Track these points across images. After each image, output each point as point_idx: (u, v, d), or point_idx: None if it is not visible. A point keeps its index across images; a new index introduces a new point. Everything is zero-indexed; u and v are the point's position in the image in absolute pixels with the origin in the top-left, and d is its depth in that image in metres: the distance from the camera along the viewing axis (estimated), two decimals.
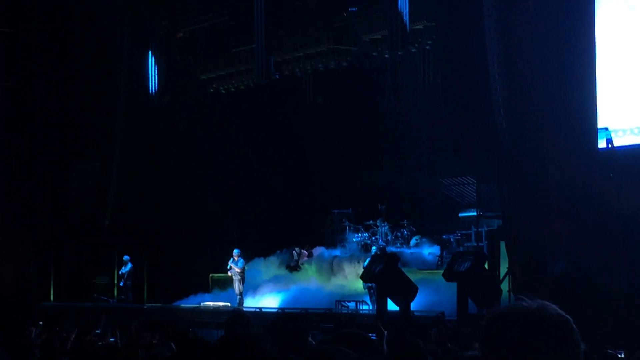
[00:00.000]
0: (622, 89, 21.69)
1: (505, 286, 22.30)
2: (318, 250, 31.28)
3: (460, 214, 29.11)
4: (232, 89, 33.43)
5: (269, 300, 28.73)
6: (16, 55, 31.99)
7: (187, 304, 29.71)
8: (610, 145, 21.18)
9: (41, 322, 20.88)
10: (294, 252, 31.19)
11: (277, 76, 30.40)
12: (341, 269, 29.54)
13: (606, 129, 21.37)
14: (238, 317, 7.67)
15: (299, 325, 6.53)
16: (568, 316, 2.89)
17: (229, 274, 29.05)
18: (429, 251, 29.28)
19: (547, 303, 2.91)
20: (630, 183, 20.83)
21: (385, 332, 9.76)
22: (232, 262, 28.80)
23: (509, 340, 2.84)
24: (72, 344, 14.51)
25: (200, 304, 29.02)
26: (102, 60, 32.73)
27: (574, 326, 2.88)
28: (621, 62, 21.78)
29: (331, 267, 29.99)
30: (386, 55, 29.64)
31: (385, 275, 22.78)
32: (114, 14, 32.46)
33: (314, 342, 6.70)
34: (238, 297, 28.68)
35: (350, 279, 28.57)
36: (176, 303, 30.11)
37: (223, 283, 30.72)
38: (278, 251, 31.65)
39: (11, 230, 31.64)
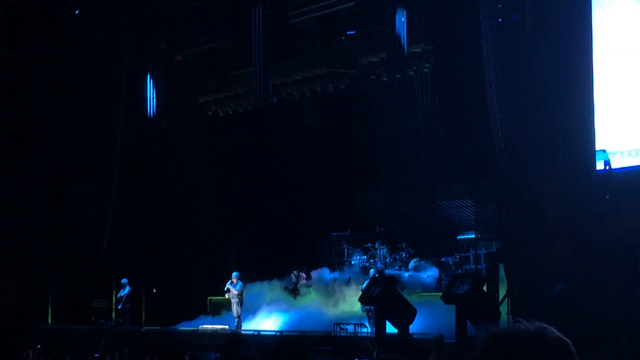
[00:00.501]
0: (619, 112, 21.73)
1: (504, 308, 22.26)
2: (317, 273, 31.22)
3: (458, 237, 29.08)
4: (230, 112, 33.46)
5: (267, 323, 28.65)
6: (16, 78, 32.04)
7: (186, 327, 29.62)
8: (608, 168, 21.20)
9: (39, 346, 20.85)
10: (292, 274, 31.14)
11: (275, 99, 30.44)
12: (340, 292, 29.48)
13: (604, 151, 21.39)
14: (235, 339, 7.65)
15: (299, 349, 6.49)
16: (567, 339, 2.87)
17: (227, 296, 28.99)
18: (428, 274, 29.23)
19: (546, 326, 2.88)
20: (628, 205, 20.83)
21: (375, 353, 9.74)
22: (231, 284, 28.74)
23: None
24: None
25: (198, 327, 28.94)
26: (101, 83, 32.76)
27: (573, 349, 2.86)
28: (619, 85, 21.83)
29: (330, 290, 29.93)
30: (384, 78, 29.69)
31: (384, 298, 22.76)
32: (113, 36, 32.53)
33: None
34: (236, 319, 28.60)
35: (349, 302, 28.50)
36: (174, 326, 30.02)
37: (221, 306, 30.65)
38: (276, 274, 31.57)
39: (9, 253, 31.60)
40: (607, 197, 20.99)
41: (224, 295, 29.30)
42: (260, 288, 31.14)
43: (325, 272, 31.10)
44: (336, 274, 30.87)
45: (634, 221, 20.60)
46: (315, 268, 31.38)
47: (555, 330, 2.85)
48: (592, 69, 21.80)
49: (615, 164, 21.32)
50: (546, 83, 22.17)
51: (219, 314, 30.64)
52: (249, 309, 29.48)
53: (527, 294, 21.49)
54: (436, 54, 26.98)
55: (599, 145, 21.56)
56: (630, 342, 19.61)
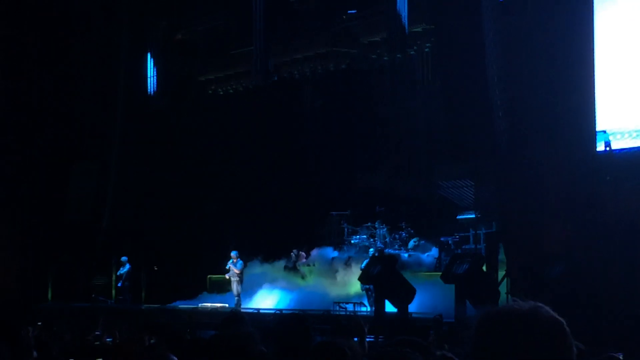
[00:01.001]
0: (620, 92, 21.69)
1: (503, 288, 22.28)
2: (316, 252, 31.25)
3: (458, 217, 29.06)
4: (231, 91, 33.44)
5: (267, 302, 28.72)
6: (14, 57, 31.98)
7: (185, 305, 29.68)
8: (608, 149, 21.18)
9: (40, 323, 20.86)
10: (292, 253, 31.16)
11: (276, 78, 30.42)
12: (339, 271, 29.52)
13: (604, 131, 21.37)
14: (233, 317, 7.67)
15: (302, 326, 6.50)
16: (561, 319, 2.86)
17: (227, 277, 29.03)
18: (427, 253, 29.26)
19: (540, 305, 2.87)
20: (628, 186, 20.82)
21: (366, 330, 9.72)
22: (232, 263, 28.78)
23: (500, 341, 2.80)
24: (69, 344, 14.49)
25: (198, 305, 29.01)
26: (100, 62, 32.73)
27: (567, 329, 2.85)
28: (620, 65, 21.78)
29: (329, 269, 29.96)
30: (385, 58, 29.66)
31: (384, 277, 22.78)
32: (112, 15, 32.46)
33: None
34: (236, 298, 28.67)
35: (349, 281, 28.54)
36: (174, 304, 30.08)
37: (221, 284, 30.70)
38: (276, 253, 31.58)
39: (9, 231, 31.65)
40: (608, 178, 20.98)
41: (224, 274, 29.35)
42: (260, 267, 31.17)
43: (328, 251, 31.11)
44: (336, 253, 30.91)
45: (634, 202, 20.59)
46: (315, 247, 31.40)
47: (549, 310, 2.85)
48: (594, 49, 21.76)
49: (616, 145, 21.31)
50: (547, 63, 22.12)
51: (218, 292, 30.71)
52: (249, 288, 29.53)
53: (526, 274, 21.48)
54: (437, 33, 26.95)
55: (599, 126, 21.54)
56: (629, 324, 19.62)
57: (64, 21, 32.19)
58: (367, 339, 8.04)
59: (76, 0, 32.28)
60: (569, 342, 2.83)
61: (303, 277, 30.52)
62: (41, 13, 31.85)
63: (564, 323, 2.84)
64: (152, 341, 15.31)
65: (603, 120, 21.58)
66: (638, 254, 20.46)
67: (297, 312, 24.95)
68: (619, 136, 21.44)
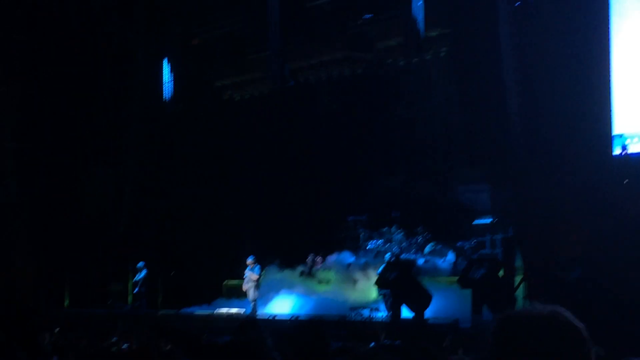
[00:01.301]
0: (637, 95, 21.61)
1: (520, 294, 22.21)
2: (332, 257, 31.21)
3: (475, 221, 29.00)
4: (247, 96, 33.46)
5: (282, 308, 28.67)
6: (31, 62, 32.08)
7: (202, 310, 29.68)
8: (625, 152, 21.11)
9: (58, 329, 20.88)
10: (307, 259, 31.13)
11: (292, 83, 30.40)
12: (355, 276, 29.47)
13: (621, 135, 21.30)
14: (248, 323, 7.66)
15: (317, 333, 6.46)
16: (580, 324, 2.83)
17: (243, 288, 28.85)
18: (444, 258, 29.19)
19: (560, 309, 2.85)
20: None
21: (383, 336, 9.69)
22: (249, 269, 28.65)
23: (519, 344, 2.79)
24: (86, 350, 14.49)
25: (214, 310, 29.01)
26: (117, 67, 32.80)
27: (586, 334, 2.82)
28: (637, 68, 21.70)
29: (345, 274, 29.91)
30: (401, 63, 29.63)
31: (400, 282, 22.75)
32: (129, 21, 32.52)
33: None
34: (252, 304, 28.63)
35: (365, 286, 28.49)
36: (190, 309, 30.08)
37: (238, 290, 30.68)
38: (292, 258, 31.54)
39: (26, 236, 31.72)
40: (625, 181, 20.90)
41: (241, 279, 29.31)
42: (277, 272, 31.13)
43: (344, 256, 31.05)
44: (352, 259, 30.86)
45: None
46: (331, 252, 31.35)
47: (569, 314, 2.83)
48: (610, 52, 21.70)
49: (633, 148, 21.23)
50: (564, 67, 22.06)
51: (235, 297, 30.68)
52: (265, 293, 29.50)
53: (544, 279, 21.42)
54: (453, 38, 26.91)
55: (616, 129, 21.47)
56: None
57: (81, 26, 32.26)
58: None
59: (93, 5, 32.34)
60: (588, 347, 2.81)
61: (320, 282, 30.48)
62: (57, 18, 31.93)
63: (583, 328, 2.82)
64: (168, 347, 15.33)
65: (620, 124, 21.51)
66: None
67: (312, 318, 24.97)
68: (636, 140, 21.36)
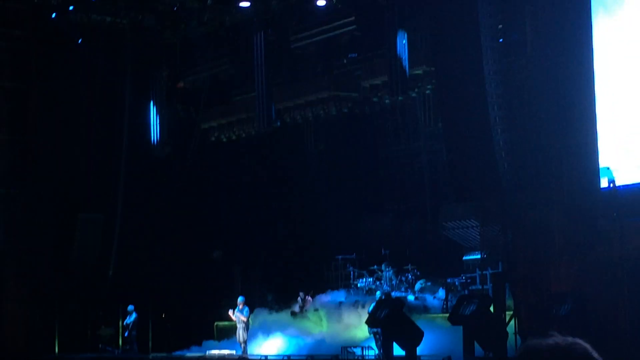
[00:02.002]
0: (622, 128, 21.76)
1: (511, 329, 22.21)
2: (322, 296, 31.17)
3: (464, 257, 29.04)
4: (234, 137, 33.55)
5: (273, 348, 28.58)
6: (19, 109, 32.11)
7: (193, 352, 29.57)
8: (612, 185, 21.20)
9: None
10: (298, 298, 31.08)
11: (279, 124, 30.52)
12: (346, 315, 29.43)
13: (607, 168, 21.40)
14: None
15: None
16: (599, 356, 2.92)
17: (233, 317, 28.80)
18: (434, 295, 29.19)
19: (579, 341, 2.94)
20: (634, 222, 20.82)
21: None
22: (238, 310, 28.64)
23: None
24: None
25: (205, 352, 28.90)
26: (104, 111, 32.85)
27: None
28: (622, 102, 21.87)
29: (336, 313, 29.87)
30: (386, 101, 29.77)
31: (391, 320, 22.73)
32: (115, 65, 32.63)
33: None
34: (242, 345, 28.53)
35: (356, 325, 28.44)
36: (181, 352, 29.97)
37: (228, 331, 30.59)
38: (282, 298, 31.49)
39: (15, 283, 31.59)
40: (614, 214, 20.97)
41: (230, 320, 29.24)
42: (267, 313, 31.05)
43: (335, 295, 31.00)
44: (343, 298, 30.83)
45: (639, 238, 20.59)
46: (322, 291, 31.30)
47: (588, 346, 2.91)
48: (594, 86, 21.86)
49: (620, 181, 21.32)
50: (549, 102, 22.21)
51: (225, 339, 30.57)
52: (255, 334, 29.42)
53: (534, 313, 21.44)
54: (438, 75, 27.06)
55: (602, 162, 21.57)
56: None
57: (68, 71, 32.33)
58: None
59: (79, 50, 32.43)
60: None
61: (302, 315, 30.41)
62: (45, 64, 32.01)
63: None
64: None
65: (606, 156, 21.62)
66: None
67: (304, 358, 24.92)
68: (622, 172, 21.46)
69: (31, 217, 31.88)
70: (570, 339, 2.92)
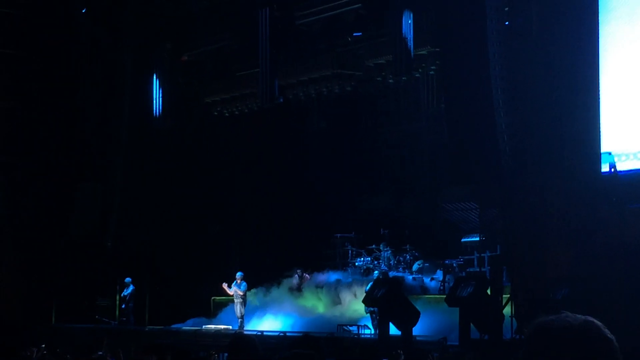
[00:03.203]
0: (626, 113, 21.72)
1: (507, 312, 22.23)
2: (320, 274, 31.20)
3: (462, 239, 29.05)
4: (236, 113, 33.50)
5: (270, 324, 28.64)
6: (21, 77, 32.08)
7: (189, 326, 29.63)
8: (613, 170, 21.18)
9: (43, 345, 20.84)
10: (295, 275, 31.11)
11: (281, 100, 30.47)
12: (343, 293, 29.47)
13: (609, 153, 21.37)
14: (241, 340, 7.63)
15: (318, 348, 6.48)
16: (611, 335, 2.89)
17: (230, 292, 28.88)
18: (432, 276, 29.22)
19: (592, 320, 2.91)
20: (633, 208, 20.82)
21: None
22: (235, 284, 28.72)
23: (551, 354, 2.83)
24: None
25: (202, 326, 28.96)
26: (106, 83, 32.83)
27: (617, 345, 2.88)
28: (625, 86, 21.82)
29: (333, 291, 29.91)
30: (390, 80, 29.71)
31: (388, 300, 22.74)
32: (118, 36, 32.57)
33: None
34: (239, 320, 28.61)
35: (353, 303, 28.49)
36: (177, 325, 30.03)
37: (225, 306, 30.65)
38: (280, 275, 31.50)
39: (13, 252, 31.64)
40: (613, 199, 20.96)
41: (227, 294, 29.31)
42: (264, 290, 31.09)
43: (332, 274, 31.02)
44: (340, 276, 30.87)
45: (639, 225, 20.58)
46: (319, 269, 31.34)
47: (601, 325, 2.88)
48: (599, 71, 21.81)
49: (621, 166, 21.30)
50: (552, 86, 22.16)
51: (222, 314, 30.63)
52: (252, 309, 29.47)
53: (531, 297, 21.45)
54: (442, 56, 27.00)
55: (604, 147, 21.55)
56: (633, 347, 19.57)
57: (70, 42, 32.29)
58: None
59: (82, 22, 32.37)
60: (619, 359, 2.87)
61: (299, 293, 30.47)
62: (47, 33, 31.95)
63: (614, 340, 2.88)
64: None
65: (608, 141, 21.60)
66: None
67: (300, 334, 24.93)
68: (623, 158, 21.45)
69: (30, 187, 31.90)
70: (581, 317, 2.89)
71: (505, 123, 23.03)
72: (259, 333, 26.08)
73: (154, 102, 32.47)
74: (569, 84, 21.95)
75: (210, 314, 31.24)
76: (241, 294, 28.60)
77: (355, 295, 28.53)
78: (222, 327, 28.45)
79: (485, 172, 24.50)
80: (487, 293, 22.45)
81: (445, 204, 30.30)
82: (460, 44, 24.98)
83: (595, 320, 2.89)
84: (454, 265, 28.56)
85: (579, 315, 2.90)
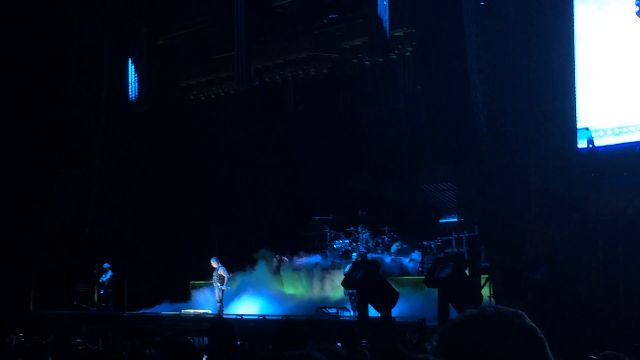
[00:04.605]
0: (602, 89, 21.76)
1: (486, 292, 22.32)
2: (299, 257, 31.20)
3: (441, 220, 29.12)
4: (213, 96, 33.39)
5: (249, 308, 28.63)
6: None
7: (168, 310, 29.60)
8: (591, 146, 21.22)
9: (21, 334, 20.79)
10: (274, 258, 31.07)
11: (258, 83, 30.40)
12: (322, 276, 29.48)
13: (587, 128, 21.41)
14: (221, 324, 7.64)
15: (300, 332, 6.49)
16: (534, 325, 2.80)
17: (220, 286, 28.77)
18: (410, 257, 29.27)
19: (520, 312, 2.82)
20: (610, 184, 20.91)
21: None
22: (222, 267, 28.47)
23: (478, 346, 2.75)
24: (53, 349, 14.46)
25: (181, 311, 28.94)
26: (82, 68, 32.69)
27: (542, 335, 2.79)
28: (601, 62, 21.87)
29: (312, 274, 29.92)
30: (366, 62, 29.66)
31: (367, 282, 22.77)
32: (94, 21, 32.41)
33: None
34: (218, 304, 28.56)
35: (332, 286, 28.52)
36: (156, 310, 29.99)
37: (204, 290, 30.62)
38: (258, 257, 31.46)
39: None
40: (592, 174, 21.03)
41: (207, 280, 29.27)
42: (243, 273, 31.06)
43: (311, 257, 31.02)
44: (319, 258, 30.88)
45: (616, 204, 20.67)
46: (298, 251, 31.32)
47: (523, 315, 2.78)
48: (574, 48, 21.84)
49: (598, 142, 21.35)
50: (528, 65, 22.21)
51: (201, 298, 30.60)
52: (231, 294, 29.45)
53: (509, 277, 21.53)
54: (418, 37, 26.96)
55: (581, 123, 21.58)
56: (611, 324, 19.69)
57: (47, 27, 32.09)
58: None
59: (59, 6, 32.18)
60: (543, 350, 2.77)
61: (278, 279, 30.46)
62: (23, 18, 31.74)
63: (538, 330, 2.78)
64: (137, 342, 15.30)
65: (586, 117, 21.64)
66: (619, 255, 20.54)
67: (279, 317, 24.97)
68: (601, 133, 21.50)
69: (8, 173, 31.74)
70: (497, 308, 2.79)
71: (482, 103, 23.08)
72: (239, 317, 26.10)
73: (130, 86, 32.35)
74: (545, 63, 21.99)
75: (189, 297, 31.17)
76: (222, 274, 28.35)
77: (333, 278, 28.54)
78: (202, 311, 28.44)
79: (462, 153, 24.55)
80: (465, 273, 22.53)
81: (423, 185, 30.36)
82: (437, 25, 24.98)
83: (513, 310, 2.80)
84: (432, 246, 28.63)
85: (497, 306, 2.81)
